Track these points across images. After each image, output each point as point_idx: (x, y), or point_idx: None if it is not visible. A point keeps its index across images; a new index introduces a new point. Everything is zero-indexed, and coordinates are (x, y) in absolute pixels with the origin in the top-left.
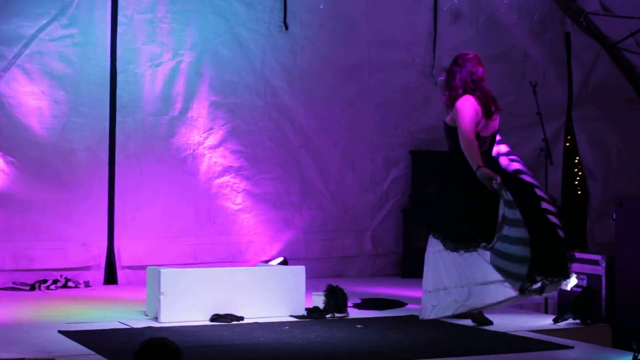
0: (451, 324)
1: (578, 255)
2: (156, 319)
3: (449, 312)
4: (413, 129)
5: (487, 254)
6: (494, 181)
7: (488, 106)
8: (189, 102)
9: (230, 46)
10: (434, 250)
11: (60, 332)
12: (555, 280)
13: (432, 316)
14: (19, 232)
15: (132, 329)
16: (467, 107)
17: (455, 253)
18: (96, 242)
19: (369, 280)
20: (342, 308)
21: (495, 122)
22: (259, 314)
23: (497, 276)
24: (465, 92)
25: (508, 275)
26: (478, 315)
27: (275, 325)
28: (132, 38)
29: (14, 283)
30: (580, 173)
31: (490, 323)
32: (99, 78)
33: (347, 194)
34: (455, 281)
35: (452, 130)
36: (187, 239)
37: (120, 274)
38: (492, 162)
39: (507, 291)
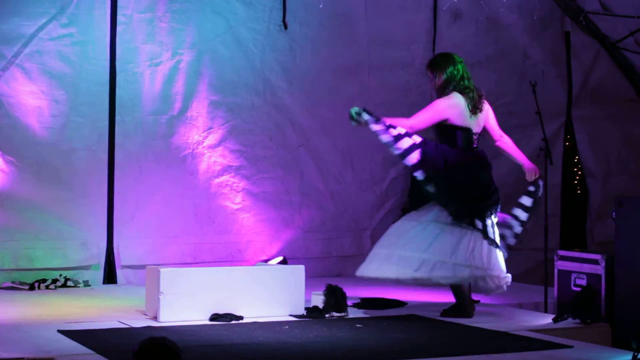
0: (451, 323)
1: (577, 254)
2: (155, 318)
3: (392, 276)
4: None
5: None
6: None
7: (480, 104)
8: (188, 102)
9: (229, 45)
10: (427, 219)
11: (59, 331)
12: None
13: (371, 274)
14: (18, 231)
15: (132, 328)
16: (443, 104)
17: (447, 227)
18: (95, 241)
19: (369, 279)
20: (342, 307)
21: (482, 119)
22: (258, 313)
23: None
24: (462, 89)
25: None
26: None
27: (275, 325)
28: (132, 37)
29: (13, 282)
30: (579, 172)
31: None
32: (98, 77)
33: (346, 193)
34: (425, 253)
35: (438, 127)
36: (186, 238)
37: (120, 273)
38: (480, 157)
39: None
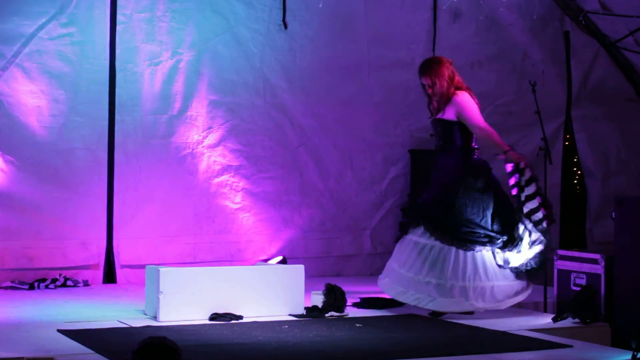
0: (451, 323)
1: (577, 254)
2: (155, 318)
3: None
4: (412, 128)
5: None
6: (523, 162)
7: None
8: (188, 101)
9: (229, 45)
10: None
11: (59, 331)
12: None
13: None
14: (18, 231)
15: (131, 328)
16: (470, 100)
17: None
18: (95, 241)
19: (368, 279)
20: (341, 307)
21: None
22: (258, 312)
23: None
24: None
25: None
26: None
27: (275, 324)
28: (131, 37)
29: (13, 282)
30: (579, 172)
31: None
32: (98, 77)
33: (346, 192)
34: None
35: (455, 126)
36: (186, 237)
37: (120, 273)
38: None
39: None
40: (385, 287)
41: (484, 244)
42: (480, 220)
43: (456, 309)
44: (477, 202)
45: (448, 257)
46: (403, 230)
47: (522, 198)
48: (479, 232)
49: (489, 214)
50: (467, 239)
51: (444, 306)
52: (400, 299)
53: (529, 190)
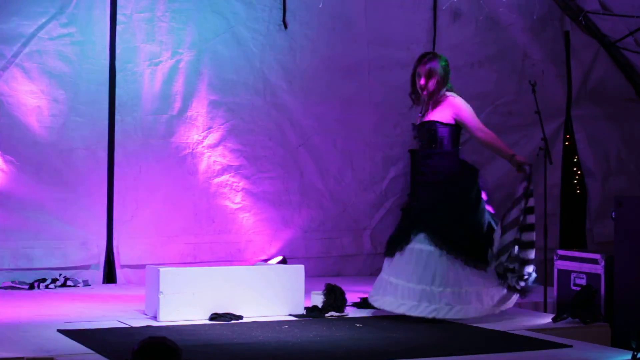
0: (450, 323)
1: (577, 254)
2: (155, 318)
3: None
4: None
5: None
6: (529, 166)
7: None
8: (188, 101)
9: (229, 45)
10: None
11: (59, 331)
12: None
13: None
14: (18, 231)
15: (131, 328)
16: (467, 104)
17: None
18: (95, 241)
19: (369, 279)
20: (341, 307)
21: None
22: (258, 312)
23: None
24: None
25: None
26: None
27: (275, 324)
28: (131, 37)
29: (13, 282)
30: (579, 172)
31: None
32: (98, 77)
33: (346, 192)
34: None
35: (449, 128)
36: (186, 238)
37: (120, 273)
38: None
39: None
40: (390, 305)
41: (486, 261)
42: (478, 230)
43: (474, 314)
44: (474, 207)
45: (455, 263)
46: (396, 245)
47: (520, 211)
48: (482, 245)
49: (484, 220)
50: (472, 256)
51: (465, 313)
52: (414, 313)
53: (531, 202)
